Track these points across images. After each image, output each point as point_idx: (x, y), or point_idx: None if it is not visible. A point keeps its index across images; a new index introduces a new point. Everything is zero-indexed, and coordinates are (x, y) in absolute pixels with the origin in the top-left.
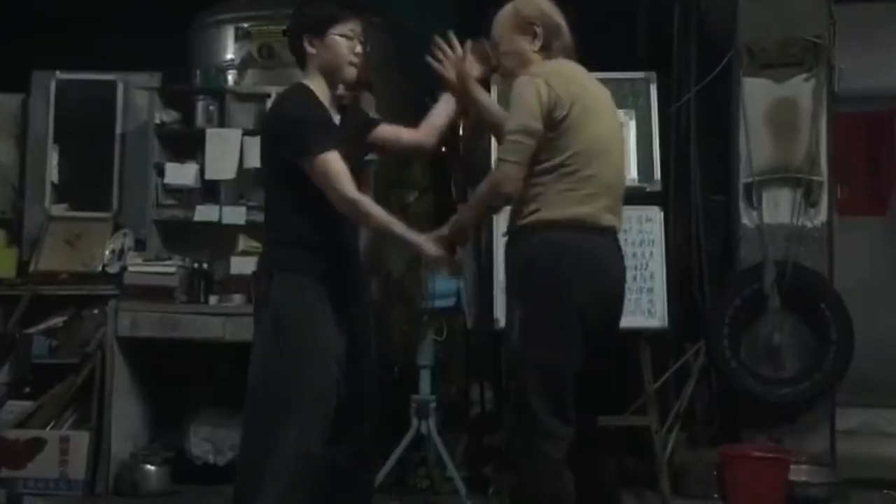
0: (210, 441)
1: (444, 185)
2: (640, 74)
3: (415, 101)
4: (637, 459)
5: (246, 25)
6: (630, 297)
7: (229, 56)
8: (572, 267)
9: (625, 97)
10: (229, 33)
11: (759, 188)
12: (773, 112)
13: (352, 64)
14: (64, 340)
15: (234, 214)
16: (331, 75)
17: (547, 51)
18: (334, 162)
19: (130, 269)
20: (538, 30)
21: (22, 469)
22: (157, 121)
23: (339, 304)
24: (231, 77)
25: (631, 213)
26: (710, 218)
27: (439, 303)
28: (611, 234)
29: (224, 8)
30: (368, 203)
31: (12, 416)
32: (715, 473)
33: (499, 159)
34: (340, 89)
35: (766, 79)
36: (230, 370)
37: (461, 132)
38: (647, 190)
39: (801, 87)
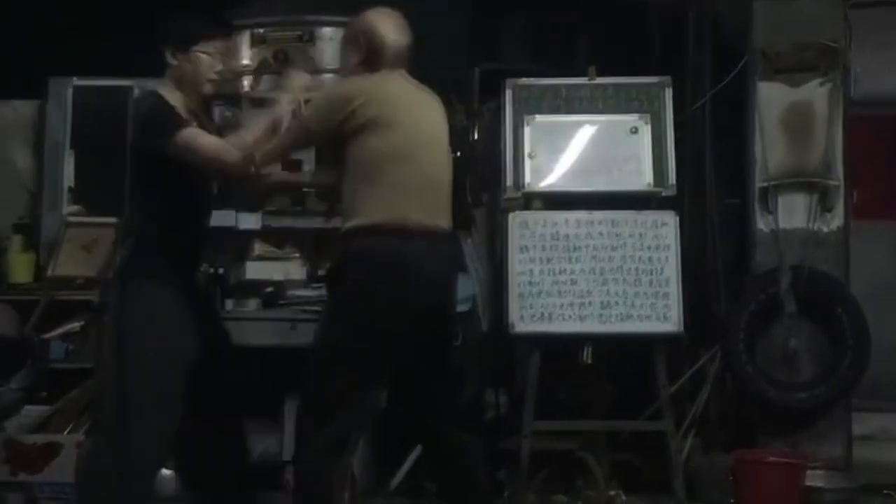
0: None
1: (459, 189)
2: (654, 79)
3: None
4: (652, 464)
5: (261, 31)
6: (645, 302)
7: (245, 62)
8: (377, 274)
9: (640, 102)
10: (244, 39)
11: (775, 192)
12: (789, 116)
13: (210, 80)
14: (80, 345)
15: (250, 220)
16: (187, 88)
17: (368, 64)
18: (197, 134)
19: None
20: (362, 44)
21: (38, 473)
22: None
23: (189, 306)
24: (246, 83)
25: (646, 217)
26: (724, 222)
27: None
28: (422, 234)
29: (239, 14)
30: (230, 150)
31: (28, 420)
32: (730, 478)
33: (284, 134)
34: None
35: (781, 83)
36: (245, 374)
37: (475, 137)
38: (662, 194)
39: (816, 92)
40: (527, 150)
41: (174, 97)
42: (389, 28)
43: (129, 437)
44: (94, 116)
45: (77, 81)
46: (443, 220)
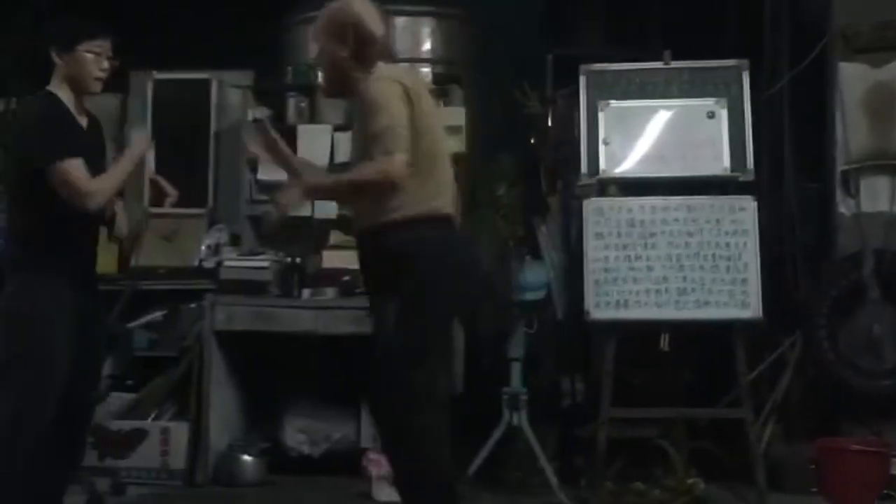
0: (304, 432)
1: (533, 176)
2: (731, 62)
3: (501, 97)
4: (731, 452)
5: None
6: (723, 288)
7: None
8: (449, 261)
9: (716, 86)
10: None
11: (857, 175)
12: (870, 97)
13: (97, 79)
14: (163, 334)
15: (326, 209)
16: (76, 86)
17: (361, 57)
18: (74, 169)
19: (226, 264)
20: (351, 37)
21: (125, 459)
22: (250, 118)
23: (76, 304)
24: (321, 73)
25: (723, 202)
26: (804, 207)
27: (529, 295)
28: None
29: (313, 5)
30: (99, 188)
31: (115, 407)
32: (812, 467)
33: (387, 151)
34: None
35: (862, 63)
36: (323, 363)
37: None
38: (740, 179)
39: None
40: (601, 136)
41: (67, 96)
42: (373, 18)
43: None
44: (174, 109)
45: (158, 75)
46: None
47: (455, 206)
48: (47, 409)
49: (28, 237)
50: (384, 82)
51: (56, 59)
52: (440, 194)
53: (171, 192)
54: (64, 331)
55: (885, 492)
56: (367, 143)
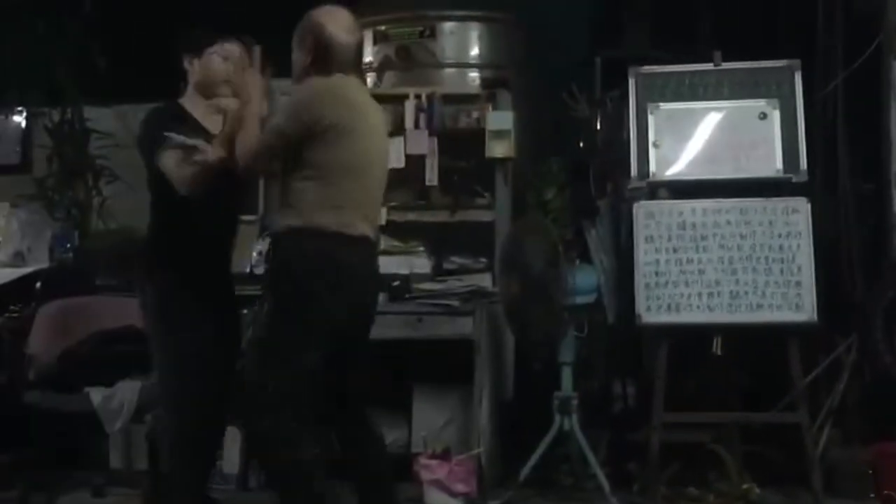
0: None
1: (582, 179)
2: (783, 63)
3: (549, 100)
4: (787, 457)
5: (383, 28)
6: (776, 291)
7: (368, 59)
8: (322, 274)
9: (768, 87)
10: (367, 36)
11: None
12: None
13: (225, 82)
14: None
15: None
16: (205, 92)
17: (320, 65)
18: (167, 158)
19: None
20: (311, 44)
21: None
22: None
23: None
24: (370, 80)
25: (776, 204)
26: (859, 208)
27: (580, 299)
28: (364, 243)
29: (361, 12)
30: (192, 176)
31: None
32: (870, 472)
33: (262, 143)
34: None
35: None
36: (373, 367)
37: (598, 126)
38: (793, 181)
39: None
40: (651, 138)
41: (193, 104)
42: (339, 27)
43: None
44: None
45: None
46: (375, 231)
47: (369, 222)
48: None
49: None
50: (315, 92)
51: (186, 66)
52: (343, 209)
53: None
54: None
55: (886, 493)
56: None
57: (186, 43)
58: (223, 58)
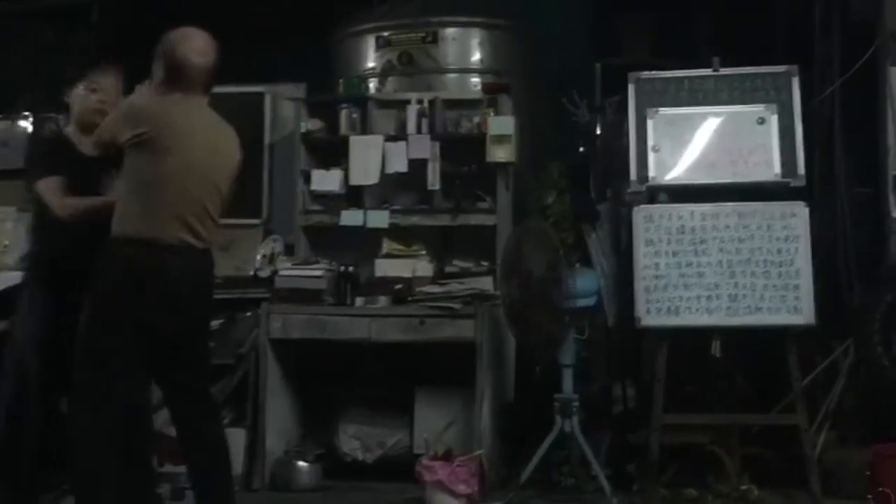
0: (358, 438)
1: (583, 184)
2: (781, 68)
3: (550, 106)
4: (785, 458)
5: (386, 34)
6: (775, 294)
7: (370, 65)
8: (129, 279)
9: (766, 92)
10: (370, 43)
11: None
12: None
13: (96, 110)
14: (219, 342)
15: (378, 218)
16: (80, 124)
17: (167, 83)
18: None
19: (281, 273)
20: (163, 62)
21: (184, 465)
22: (303, 130)
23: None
24: (372, 85)
25: (774, 209)
26: (856, 212)
27: (580, 302)
28: (183, 250)
29: (364, 18)
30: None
31: None
32: (867, 473)
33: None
34: None
35: None
36: (376, 369)
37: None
38: (791, 185)
39: None
40: (651, 143)
41: (72, 131)
42: (191, 49)
43: None
44: (229, 121)
45: (213, 89)
46: (202, 240)
47: (192, 232)
48: None
49: None
50: (125, 111)
51: (66, 99)
52: (158, 218)
53: None
54: None
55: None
56: None
57: (64, 78)
58: (90, 90)
